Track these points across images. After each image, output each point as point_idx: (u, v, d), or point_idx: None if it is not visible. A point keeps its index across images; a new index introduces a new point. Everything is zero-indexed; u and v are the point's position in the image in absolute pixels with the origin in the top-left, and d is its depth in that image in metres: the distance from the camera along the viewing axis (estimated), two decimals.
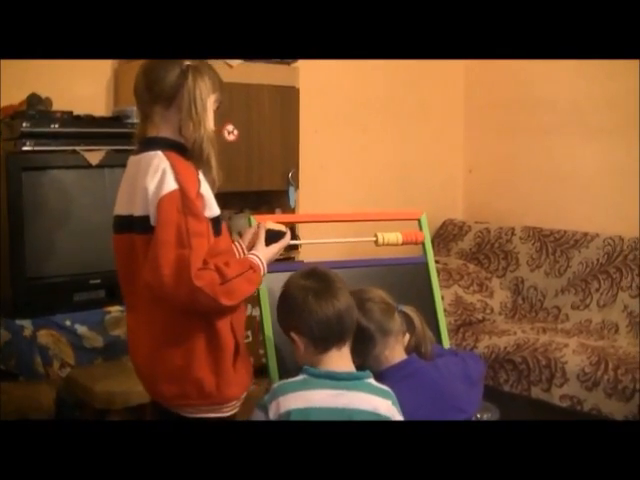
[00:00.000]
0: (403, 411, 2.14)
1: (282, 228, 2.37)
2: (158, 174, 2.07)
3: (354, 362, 2.30)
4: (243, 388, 2.25)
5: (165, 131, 2.18)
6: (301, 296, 2.12)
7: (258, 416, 2.07)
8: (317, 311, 2.09)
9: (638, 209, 4.50)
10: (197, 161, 2.16)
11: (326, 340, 2.10)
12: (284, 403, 2.02)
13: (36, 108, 3.31)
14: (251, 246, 2.31)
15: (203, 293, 2.00)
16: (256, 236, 2.32)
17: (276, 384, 2.14)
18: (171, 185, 2.05)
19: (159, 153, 2.12)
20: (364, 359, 2.34)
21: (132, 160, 2.21)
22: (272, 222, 2.39)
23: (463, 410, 2.32)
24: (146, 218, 2.08)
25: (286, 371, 2.27)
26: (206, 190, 2.15)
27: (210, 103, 2.20)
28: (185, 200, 2.05)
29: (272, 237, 2.31)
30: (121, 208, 2.20)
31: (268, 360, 2.43)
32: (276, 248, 2.30)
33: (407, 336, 2.40)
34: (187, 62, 2.17)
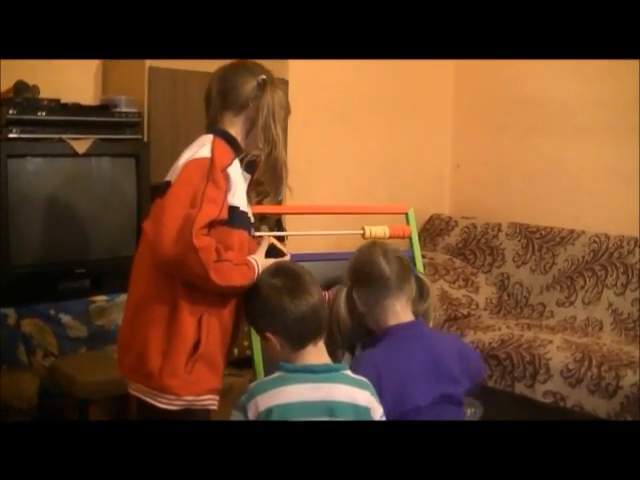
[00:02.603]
0: (406, 371, 2.18)
1: (284, 251, 2.38)
2: (196, 147, 2.17)
3: (362, 309, 2.33)
4: (190, 391, 2.16)
5: (229, 130, 2.25)
6: (274, 296, 2.09)
7: (237, 417, 2.04)
8: (292, 310, 2.07)
9: (624, 207, 4.52)
10: (270, 171, 2.25)
11: (302, 337, 2.08)
12: (262, 402, 2.00)
13: (23, 95, 3.29)
14: (251, 253, 2.29)
15: (196, 256, 2.00)
16: (259, 245, 2.32)
17: (252, 384, 2.11)
18: (204, 153, 2.14)
19: (210, 136, 2.21)
20: (374, 309, 2.35)
21: None
22: (277, 241, 2.39)
23: (457, 382, 2.31)
24: (169, 183, 2.14)
25: (271, 363, 2.26)
26: (236, 176, 2.19)
27: (283, 114, 2.30)
28: (212, 169, 2.11)
29: (272, 253, 2.30)
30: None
31: (253, 352, 2.42)
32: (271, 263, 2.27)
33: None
34: (262, 75, 2.25)
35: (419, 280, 2.45)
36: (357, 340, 2.35)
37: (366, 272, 2.36)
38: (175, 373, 2.12)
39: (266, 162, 2.25)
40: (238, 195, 2.20)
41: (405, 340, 2.30)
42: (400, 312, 2.35)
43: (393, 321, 2.34)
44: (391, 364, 2.21)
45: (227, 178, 2.15)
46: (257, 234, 2.48)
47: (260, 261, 2.21)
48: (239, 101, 2.25)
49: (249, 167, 2.29)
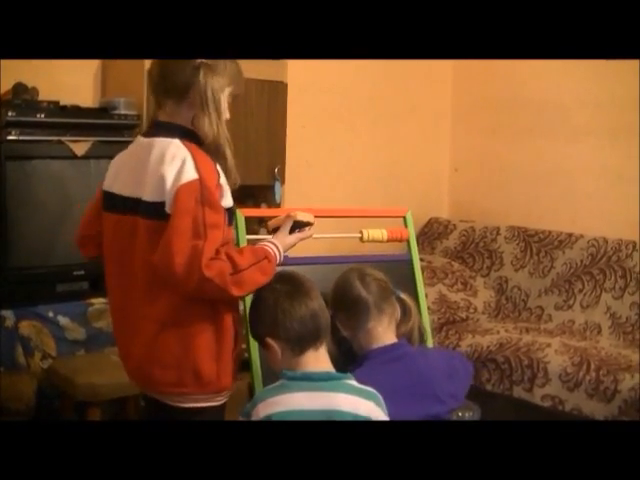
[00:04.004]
0: (384, 393, 2.14)
1: (310, 219, 2.31)
2: (177, 162, 2.06)
3: (346, 334, 2.34)
4: (234, 377, 2.23)
5: (178, 120, 2.18)
6: (273, 299, 2.11)
7: None
8: (291, 312, 2.08)
9: (623, 210, 4.52)
10: (214, 157, 2.16)
11: (302, 341, 2.09)
12: (264, 409, 2.02)
13: (22, 97, 3.29)
14: (274, 231, 2.29)
15: (212, 283, 1.98)
16: (281, 222, 2.29)
17: (257, 393, 2.14)
18: (191, 174, 2.04)
19: (176, 141, 2.11)
20: (356, 333, 2.35)
21: (142, 142, 2.20)
22: (302, 213, 2.31)
23: (442, 401, 2.32)
24: (160, 205, 2.06)
25: (268, 365, 2.26)
26: (224, 181, 2.15)
27: (225, 96, 2.20)
28: (204, 190, 2.04)
29: (297, 226, 2.27)
30: (124, 188, 2.18)
31: (250, 355, 2.42)
32: (297, 238, 2.26)
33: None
34: (200, 59, 2.15)
35: (401, 301, 2.44)
36: (343, 365, 2.32)
37: (344, 296, 2.37)
38: (228, 372, 2.17)
39: (208, 146, 2.16)
40: (228, 195, 2.18)
41: (386, 362, 2.30)
42: (382, 335, 2.35)
43: (376, 344, 2.34)
44: (371, 387, 2.17)
45: (221, 190, 2.12)
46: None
47: (281, 243, 2.20)
48: (178, 88, 2.15)
49: None
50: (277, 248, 2.17)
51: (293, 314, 2.08)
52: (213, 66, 2.15)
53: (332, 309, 2.37)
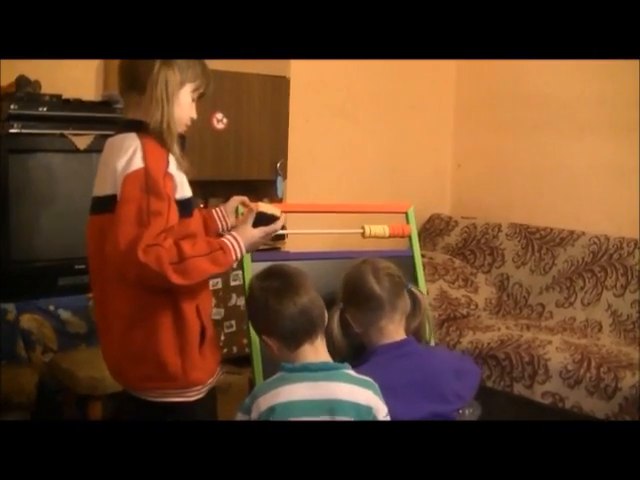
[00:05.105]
0: (390, 390, 2.14)
1: (276, 212, 2.30)
2: (128, 153, 2.09)
3: (357, 329, 2.33)
4: (209, 374, 2.25)
5: (140, 115, 2.18)
6: (262, 298, 2.11)
7: (241, 419, 2.07)
8: (280, 310, 2.08)
9: (625, 208, 4.52)
10: (163, 145, 2.15)
11: (296, 337, 2.10)
12: (264, 401, 2.02)
13: (24, 90, 3.29)
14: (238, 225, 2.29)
15: (148, 269, 1.98)
16: (244, 217, 2.31)
17: (256, 387, 2.14)
18: (137, 163, 2.07)
19: (132, 134, 2.14)
20: (367, 329, 2.35)
21: (107, 142, 2.22)
22: (267, 205, 2.34)
23: (448, 400, 2.31)
24: (115, 197, 2.09)
25: (269, 361, 2.27)
26: (177, 171, 2.15)
27: (186, 92, 2.20)
28: (149, 179, 2.05)
29: (262, 220, 2.26)
30: (96, 190, 2.21)
31: (252, 350, 2.42)
32: (261, 232, 2.26)
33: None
34: None
35: (412, 294, 2.43)
36: (354, 359, 2.31)
37: (356, 292, 2.36)
38: (195, 365, 2.17)
39: (155, 134, 2.15)
40: (185, 185, 2.18)
41: (392, 358, 2.29)
42: (393, 331, 2.34)
43: (385, 340, 2.33)
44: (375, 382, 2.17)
45: (171, 178, 2.11)
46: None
47: (241, 235, 2.19)
48: (137, 80, 2.16)
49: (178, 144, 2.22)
50: (236, 240, 2.17)
51: (283, 312, 2.08)
52: (171, 62, 2.16)
53: (343, 303, 2.37)
